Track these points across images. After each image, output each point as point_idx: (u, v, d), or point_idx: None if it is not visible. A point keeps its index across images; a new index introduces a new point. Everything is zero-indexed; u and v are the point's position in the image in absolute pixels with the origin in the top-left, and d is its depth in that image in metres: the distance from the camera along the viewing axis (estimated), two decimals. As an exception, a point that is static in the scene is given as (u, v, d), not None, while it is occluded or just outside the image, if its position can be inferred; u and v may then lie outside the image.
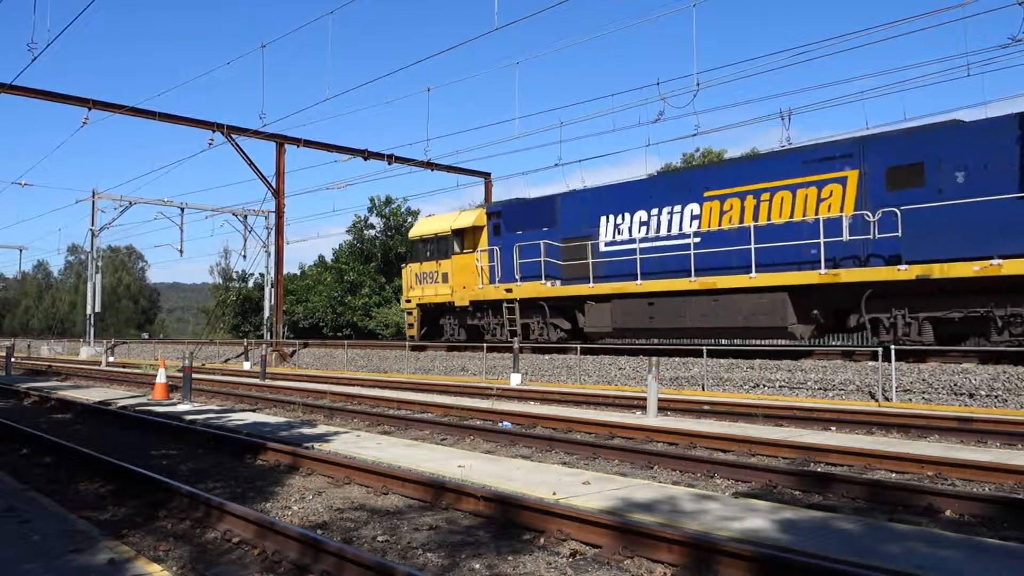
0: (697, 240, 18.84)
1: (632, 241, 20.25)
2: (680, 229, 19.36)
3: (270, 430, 11.59)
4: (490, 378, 20.88)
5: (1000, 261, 13.99)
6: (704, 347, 17.91)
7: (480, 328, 24.64)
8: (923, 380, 14.41)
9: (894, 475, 8.27)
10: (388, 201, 60.33)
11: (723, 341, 22.58)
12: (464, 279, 24.75)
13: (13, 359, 29.16)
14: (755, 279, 17.30)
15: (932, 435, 10.73)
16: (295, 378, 23.85)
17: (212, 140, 29.23)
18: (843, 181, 16.64)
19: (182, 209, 47.67)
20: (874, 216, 15.83)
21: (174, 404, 15.78)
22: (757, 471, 8.21)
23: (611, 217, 20.91)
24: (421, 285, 26.71)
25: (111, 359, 35.64)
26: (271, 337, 31.03)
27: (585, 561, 5.35)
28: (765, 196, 17.81)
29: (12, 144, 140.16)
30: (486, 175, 36.40)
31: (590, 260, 20.92)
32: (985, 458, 8.58)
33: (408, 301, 27.44)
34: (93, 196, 40.98)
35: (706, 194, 18.92)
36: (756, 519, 5.98)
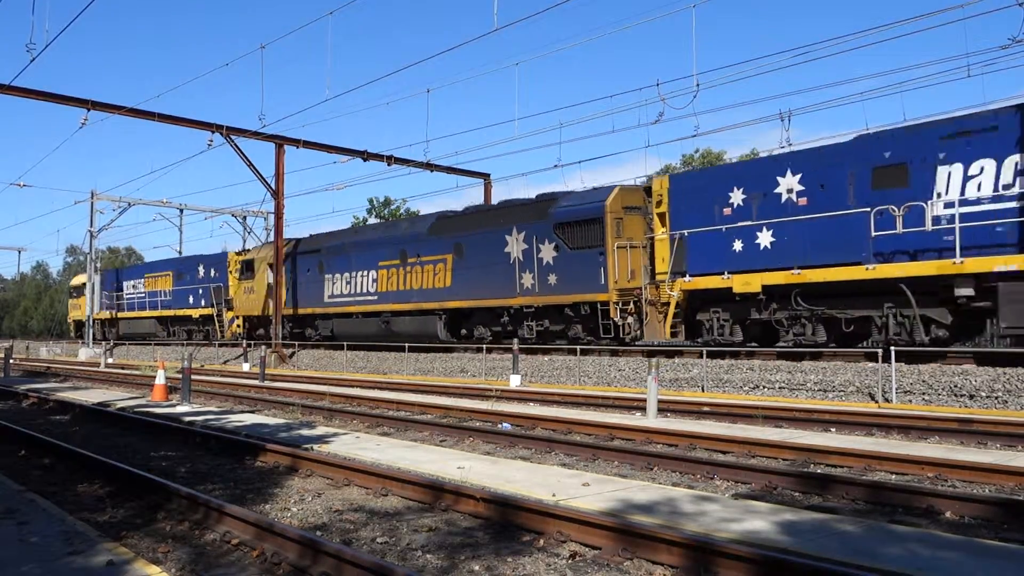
0: (141, 294, 44.41)
1: (131, 295, 45.51)
2: (144, 290, 44.22)
3: (269, 431, 11.58)
4: (490, 379, 20.87)
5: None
6: (704, 348, 17.92)
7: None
8: (923, 381, 14.40)
9: (894, 476, 8.26)
10: (387, 202, 60.36)
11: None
12: (81, 310, 48.81)
13: (12, 360, 29.12)
14: (150, 313, 43.79)
15: (932, 436, 10.72)
16: (294, 379, 23.83)
17: (211, 141, 29.17)
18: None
19: (181, 210, 47.74)
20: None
21: (173, 405, 15.77)
22: (757, 472, 8.20)
23: (128, 283, 46.12)
24: (73, 311, 54.03)
25: (110, 360, 35.59)
26: (271, 338, 31.00)
27: (585, 563, 5.34)
28: (161, 280, 42.14)
29: (10, 145, 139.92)
30: (485, 176, 36.35)
31: (124, 301, 46.02)
32: (985, 459, 8.57)
33: (70, 317, 56.50)
34: (92, 197, 40.94)
35: (146, 275, 44.32)
36: (756, 520, 5.97)
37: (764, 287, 17.04)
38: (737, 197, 17.69)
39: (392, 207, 59.87)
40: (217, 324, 36.86)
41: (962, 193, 14.39)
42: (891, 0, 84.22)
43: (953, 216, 14.30)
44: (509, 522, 6.19)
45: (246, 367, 29.15)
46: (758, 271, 17.12)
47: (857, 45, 30.71)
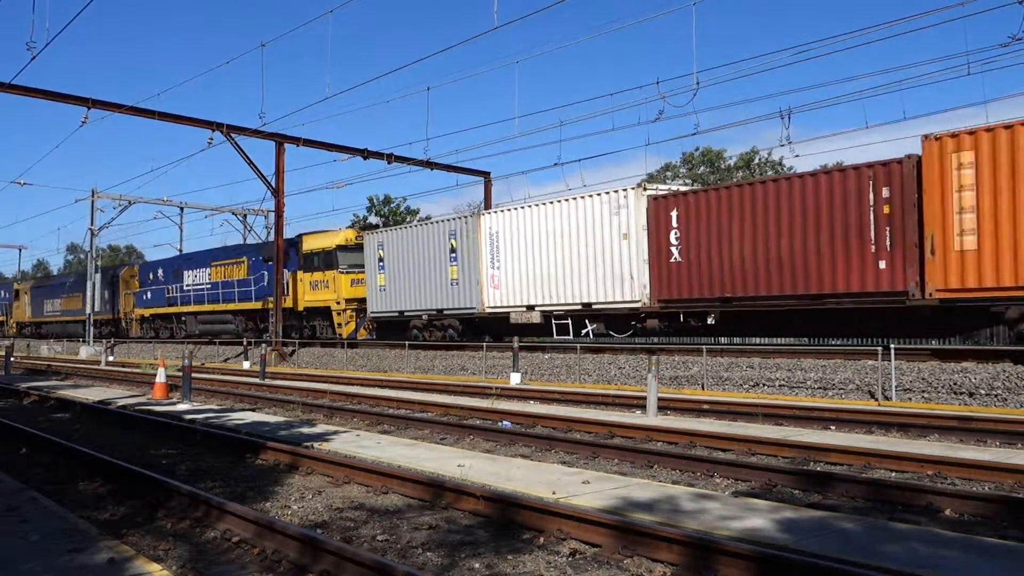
0: None
1: None
2: None
3: (269, 429, 11.59)
4: (490, 377, 20.88)
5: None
6: (704, 346, 17.95)
7: None
8: (923, 379, 14.42)
9: (894, 474, 8.27)
10: (387, 200, 60.42)
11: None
12: None
13: (13, 358, 29.14)
14: None
15: (932, 434, 10.73)
16: (294, 377, 23.84)
17: (211, 139, 29.12)
18: None
19: (181, 208, 47.72)
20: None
21: (173, 403, 15.78)
22: (757, 470, 8.21)
23: None
24: None
25: (111, 358, 35.60)
26: (271, 336, 31.01)
27: (585, 560, 5.35)
28: None
29: (11, 143, 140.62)
30: (485, 174, 36.31)
31: None
32: (985, 457, 8.58)
33: None
34: (92, 195, 40.91)
35: None
36: (756, 518, 5.98)
37: (168, 314, 40.73)
38: (159, 274, 41.40)
39: (392, 205, 59.92)
40: (6, 327, 61.68)
41: (192, 281, 37.84)
42: (891, 0, 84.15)
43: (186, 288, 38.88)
44: (509, 520, 6.19)
45: (246, 365, 29.17)
46: (163, 308, 40.83)
47: (857, 43, 30.57)
